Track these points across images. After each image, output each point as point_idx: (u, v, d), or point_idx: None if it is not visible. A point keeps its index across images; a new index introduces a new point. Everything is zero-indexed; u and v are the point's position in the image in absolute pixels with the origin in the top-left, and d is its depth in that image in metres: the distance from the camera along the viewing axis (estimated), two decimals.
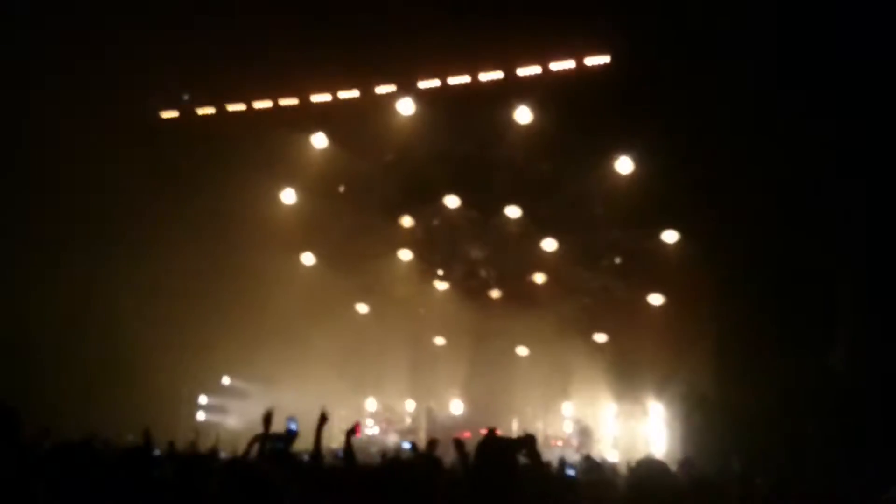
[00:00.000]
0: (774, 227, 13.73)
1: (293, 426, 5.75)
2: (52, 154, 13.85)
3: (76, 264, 14.77)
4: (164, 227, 15.73)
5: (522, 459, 4.80)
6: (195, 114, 17.09)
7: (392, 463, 5.25)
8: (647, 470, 4.11)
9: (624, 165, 16.84)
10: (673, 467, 8.66)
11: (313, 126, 17.50)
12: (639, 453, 16.61)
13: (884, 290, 12.40)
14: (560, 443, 18.84)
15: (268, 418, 5.74)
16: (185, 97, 17.54)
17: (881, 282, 12.50)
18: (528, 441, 5.01)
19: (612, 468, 11.41)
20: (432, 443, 7.13)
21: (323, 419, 5.61)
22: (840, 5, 11.89)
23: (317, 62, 15.12)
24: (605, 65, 14.99)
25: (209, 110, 17.06)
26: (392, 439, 19.10)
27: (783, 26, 12.35)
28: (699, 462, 13.13)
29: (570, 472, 8.74)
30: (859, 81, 11.99)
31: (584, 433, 18.66)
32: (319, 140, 17.76)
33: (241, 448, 7.07)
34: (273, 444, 5.70)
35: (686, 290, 16.81)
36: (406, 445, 13.26)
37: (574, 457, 15.39)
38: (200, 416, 19.79)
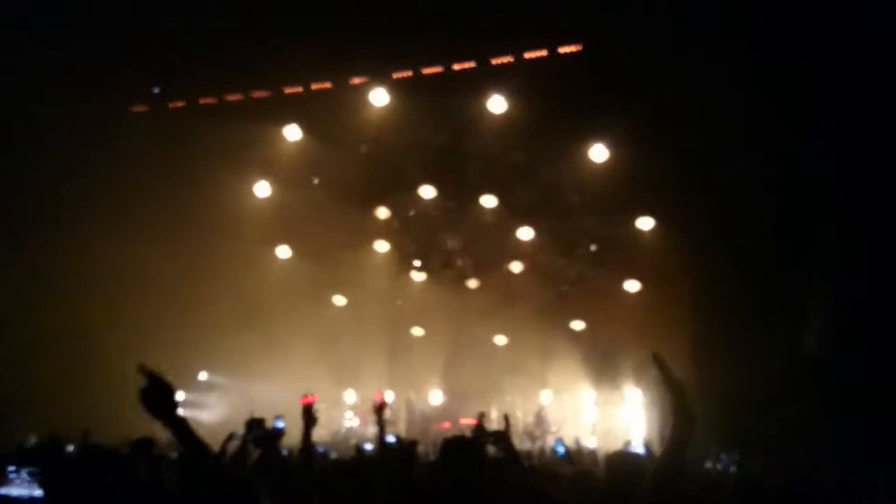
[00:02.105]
0: (750, 213, 13.83)
1: (280, 424, 5.66)
2: (15, 150, 13.64)
3: (43, 258, 14.55)
4: (137, 221, 15.55)
5: (495, 452, 4.79)
6: (166, 107, 16.90)
7: (366, 458, 5.22)
8: (620, 463, 4.11)
9: (598, 153, 16.87)
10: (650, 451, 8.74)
11: (286, 118, 17.36)
12: (617, 439, 16.75)
13: (858, 276, 12.54)
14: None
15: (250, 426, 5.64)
16: (156, 90, 17.34)
17: (855, 267, 12.64)
18: (499, 435, 4.98)
19: (592, 455, 11.48)
20: (413, 443, 7.09)
21: (310, 417, 5.40)
22: None
23: (289, 53, 14.98)
24: (578, 52, 15.00)
25: (180, 103, 16.88)
26: (371, 431, 19.05)
27: (758, 14, 12.42)
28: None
29: (561, 450, 8.79)
30: (834, 74, 12.09)
31: (541, 422, 18.71)
32: (293, 132, 17.63)
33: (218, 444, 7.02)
34: (258, 436, 5.62)
35: (662, 277, 16.92)
36: (391, 439, 13.21)
37: (530, 446, 15.49)
38: (178, 411, 19.62)
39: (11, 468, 5.15)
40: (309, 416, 5.28)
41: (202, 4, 13.75)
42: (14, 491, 4.97)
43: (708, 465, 9.95)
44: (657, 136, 14.63)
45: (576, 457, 8.93)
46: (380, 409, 5.53)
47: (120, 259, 15.23)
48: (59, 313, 14.83)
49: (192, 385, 19.81)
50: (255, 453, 6.05)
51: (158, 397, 2.62)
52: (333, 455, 10.77)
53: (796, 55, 12.43)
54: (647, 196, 16.76)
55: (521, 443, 17.54)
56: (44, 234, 14.66)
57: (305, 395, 5.36)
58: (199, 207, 16.12)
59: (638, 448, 8.23)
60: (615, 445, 16.18)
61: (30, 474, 4.98)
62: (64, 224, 14.91)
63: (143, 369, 2.59)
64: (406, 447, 5.56)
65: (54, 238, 14.68)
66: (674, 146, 14.42)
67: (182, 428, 2.61)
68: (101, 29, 13.69)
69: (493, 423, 19.22)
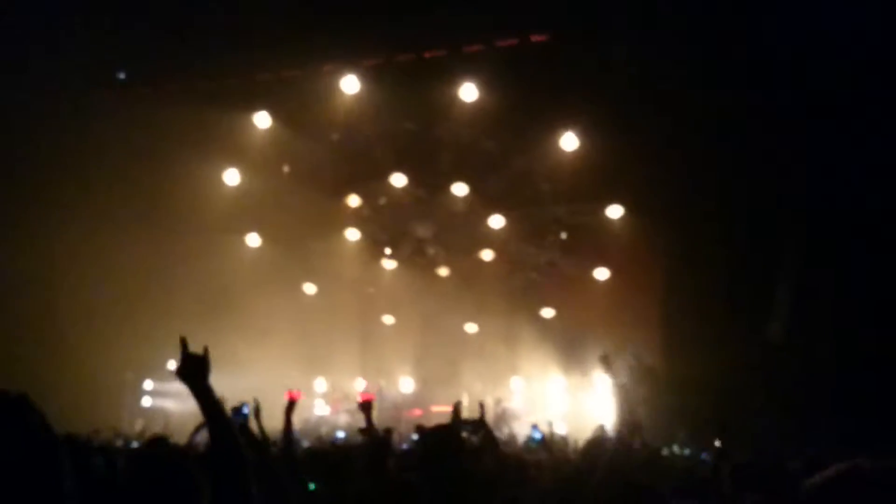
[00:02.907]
0: (718, 203, 14.00)
1: (245, 410, 5.69)
2: None
3: (6, 247, 14.32)
4: (104, 209, 15.35)
5: (473, 439, 4.83)
6: (133, 93, 16.67)
7: (342, 447, 5.24)
8: (598, 451, 4.17)
9: (568, 141, 16.95)
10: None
11: (256, 105, 17.21)
12: (587, 426, 16.91)
13: (822, 266, 12.76)
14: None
15: (236, 411, 5.67)
16: (121, 75, 17.10)
17: (820, 256, 12.86)
18: (477, 424, 5.03)
19: (564, 441, 11.59)
20: (388, 431, 7.13)
21: (291, 405, 5.60)
22: None
23: (260, 39, 14.85)
24: (548, 41, 15.04)
25: (147, 89, 16.66)
26: (343, 419, 19.06)
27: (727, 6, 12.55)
28: (642, 432, 13.44)
29: (537, 436, 8.87)
30: (800, 67, 12.25)
31: (501, 412, 18.79)
32: (262, 119, 17.48)
33: (188, 433, 6.98)
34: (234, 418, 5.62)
35: (631, 265, 17.09)
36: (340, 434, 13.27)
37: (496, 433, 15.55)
38: (146, 401, 19.48)
39: None
40: (291, 409, 5.52)
41: None
42: None
43: (665, 451, 10.08)
44: (626, 125, 14.74)
45: (549, 443, 9.02)
46: (367, 406, 5.63)
47: (86, 247, 15.03)
48: (25, 303, 14.63)
49: (159, 374, 19.64)
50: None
51: (192, 368, 2.68)
52: (305, 443, 10.75)
53: (762, 44, 12.60)
54: (617, 184, 16.89)
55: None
56: (6, 224, 14.43)
57: (291, 390, 5.66)
58: (168, 195, 15.96)
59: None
60: (585, 431, 16.36)
61: None
62: (28, 213, 14.68)
63: (182, 341, 2.67)
64: (382, 436, 5.59)
65: (18, 227, 14.46)
66: (643, 135, 14.53)
67: (209, 401, 2.68)
68: (66, 10, 13.47)
69: (466, 410, 19.32)
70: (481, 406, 6.56)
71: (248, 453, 2.75)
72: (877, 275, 11.71)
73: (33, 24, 13.01)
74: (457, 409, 5.64)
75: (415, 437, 9.94)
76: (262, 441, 5.17)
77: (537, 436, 8.93)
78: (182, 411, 18.12)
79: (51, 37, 13.33)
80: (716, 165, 13.82)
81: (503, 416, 18.45)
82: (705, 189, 14.09)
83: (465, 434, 4.88)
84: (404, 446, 10.09)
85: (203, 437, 6.76)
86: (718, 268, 14.06)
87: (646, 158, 14.81)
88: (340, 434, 13.05)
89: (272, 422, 6.49)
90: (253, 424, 5.58)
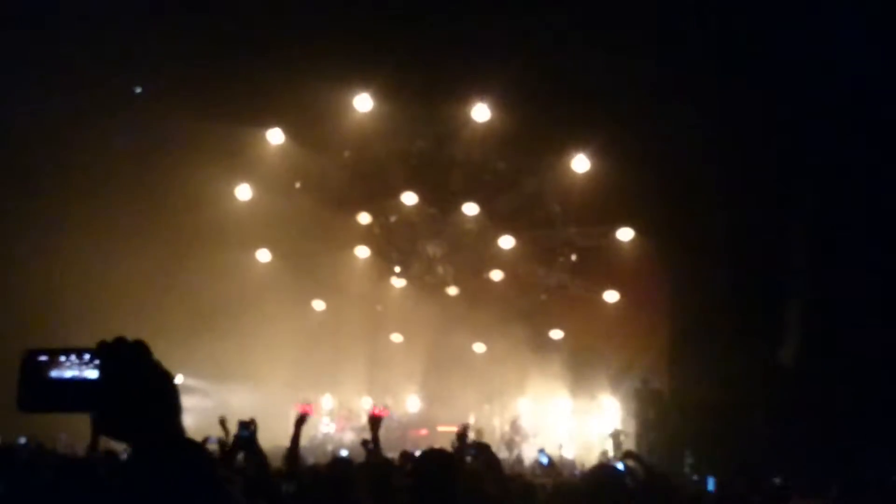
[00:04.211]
0: (727, 227, 13.97)
1: (245, 433, 5.66)
2: None
3: (16, 258, 14.41)
4: (115, 221, 15.44)
5: (475, 463, 4.80)
6: (149, 107, 16.80)
7: (344, 465, 5.22)
8: (600, 479, 4.14)
9: (580, 164, 16.98)
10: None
11: (270, 121, 17.32)
12: (594, 449, 16.81)
13: (829, 290, 12.70)
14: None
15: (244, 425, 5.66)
16: (138, 90, 17.24)
17: (827, 281, 12.80)
18: (480, 447, 5.00)
19: (572, 465, 11.53)
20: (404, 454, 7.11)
21: (302, 419, 5.56)
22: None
23: (274, 56, 14.97)
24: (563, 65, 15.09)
25: (163, 104, 16.79)
26: (349, 437, 18.99)
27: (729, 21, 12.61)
28: (649, 457, 13.37)
29: (544, 460, 8.83)
30: (806, 81, 12.27)
31: (518, 430, 18.72)
32: (276, 135, 17.58)
33: None
34: (241, 433, 5.62)
35: (640, 288, 17.04)
36: (343, 453, 13.20)
37: (506, 455, 15.51)
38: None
39: None
40: (302, 422, 5.48)
41: (190, 4, 13.74)
42: None
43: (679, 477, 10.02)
44: (638, 148, 14.77)
45: (556, 467, 8.97)
46: (375, 422, 5.60)
47: (94, 259, 15.13)
48: (30, 311, 14.69)
49: None
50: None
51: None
52: (310, 460, 10.71)
53: (771, 60, 12.63)
54: (628, 207, 16.88)
55: (497, 451, 17.54)
56: (17, 234, 14.52)
57: (304, 404, 5.64)
58: (180, 209, 16.04)
59: (617, 464, 8.27)
60: (592, 455, 16.26)
61: None
62: (39, 224, 14.77)
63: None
64: (385, 457, 5.57)
65: (29, 238, 14.55)
66: (655, 159, 14.55)
67: None
68: (85, 25, 13.63)
69: (472, 431, 19.23)
70: (478, 432, 6.52)
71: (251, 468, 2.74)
72: (887, 297, 11.63)
73: (50, 34, 13.16)
74: (463, 433, 5.60)
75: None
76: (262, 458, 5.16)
77: (544, 460, 8.88)
78: (189, 425, 18.11)
79: (69, 47, 13.48)
80: (725, 190, 13.81)
81: (516, 437, 18.36)
82: (714, 213, 14.07)
83: (468, 458, 4.86)
84: (409, 466, 10.04)
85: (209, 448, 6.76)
86: (726, 291, 14.00)
87: (656, 182, 14.82)
88: (344, 453, 12.99)
89: (279, 435, 6.50)
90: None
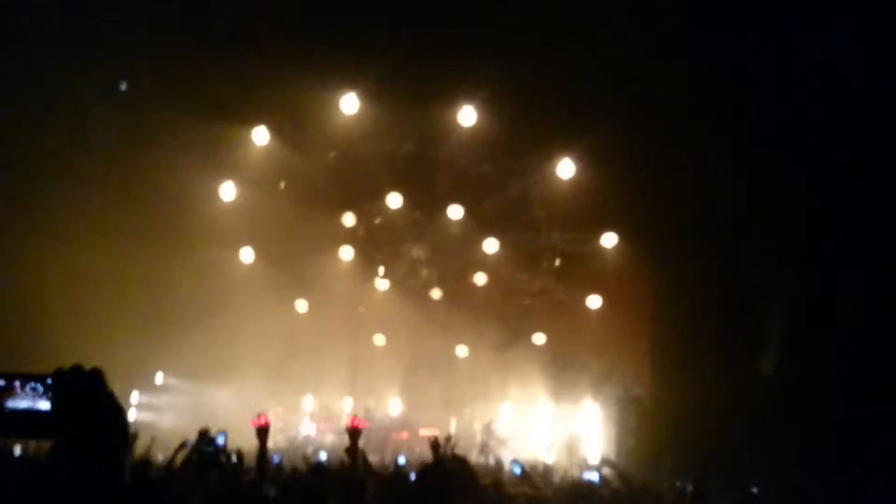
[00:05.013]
0: (711, 233, 14.04)
1: (221, 440, 5.62)
2: None
3: None
4: (96, 220, 15.31)
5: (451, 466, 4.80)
6: (133, 104, 16.68)
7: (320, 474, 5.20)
8: (575, 495, 4.16)
9: (565, 169, 17.02)
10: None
11: (255, 120, 17.26)
12: (575, 455, 16.84)
13: (814, 296, 12.79)
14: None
15: (203, 435, 5.62)
16: (123, 86, 17.11)
17: (812, 287, 12.89)
18: (458, 460, 5.01)
19: (549, 470, 11.52)
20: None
21: (265, 438, 5.50)
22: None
23: (261, 55, 14.93)
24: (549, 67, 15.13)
25: (148, 101, 16.68)
26: (329, 439, 18.92)
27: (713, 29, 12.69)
28: (629, 463, 13.42)
29: (517, 470, 8.83)
30: (792, 84, 12.36)
31: (491, 434, 18.74)
32: (261, 135, 17.51)
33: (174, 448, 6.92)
34: (204, 448, 5.59)
35: (623, 294, 17.11)
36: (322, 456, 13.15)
37: (484, 459, 15.53)
38: (133, 414, 19.32)
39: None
40: (264, 437, 5.44)
41: (179, 3, 13.67)
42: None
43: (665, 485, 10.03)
44: (623, 154, 14.83)
45: (530, 477, 8.97)
46: (354, 434, 5.59)
47: (75, 258, 14.96)
48: (9, 313, 14.53)
49: (148, 387, 19.52)
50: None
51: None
52: (291, 463, 10.66)
53: (756, 73, 12.72)
54: (612, 213, 16.95)
55: (476, 457, 17.55)
56: None
57: (258, 417, 5.55)
58: (163, 207, 15.94)
59: (592, 474, 8.29)
60: (572, 460, 16.29)
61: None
62: (16, 222, 14.61)
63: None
64: (363, 472, 5.54)
65: (8, 236, 14.39)
66: (639, 165, 14.62)
67: None
68: (65, 19, 13.52)
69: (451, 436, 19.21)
70: (448, 438, 6.49)
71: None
72: (870, 305, 11.72)
73: (33, 29, 13.04)
74: (435, 445, 5.57)
75: (401, 460, 9.87)
76: (235, 470, 5.14)
77: (517, 470, 8.90)
78: (169, 425, 18.02)
79: (51, 42, 13.36)
80: (710, 197, 13.89)
81: (491, 441, 18.37)
82: (698, 219, 14.14)
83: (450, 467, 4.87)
84: (391, 469, 10.00)
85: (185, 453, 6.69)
86: (708, 299, 14.07)
87: (642, 188, 14.89)
88: (323, 455, 12.94)
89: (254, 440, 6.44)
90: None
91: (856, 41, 11.56)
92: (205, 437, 5.69)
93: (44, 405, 1.60)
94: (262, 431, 5.46)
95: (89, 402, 1.61)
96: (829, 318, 12.15)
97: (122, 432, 1.71)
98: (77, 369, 1.67)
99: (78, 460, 1.63)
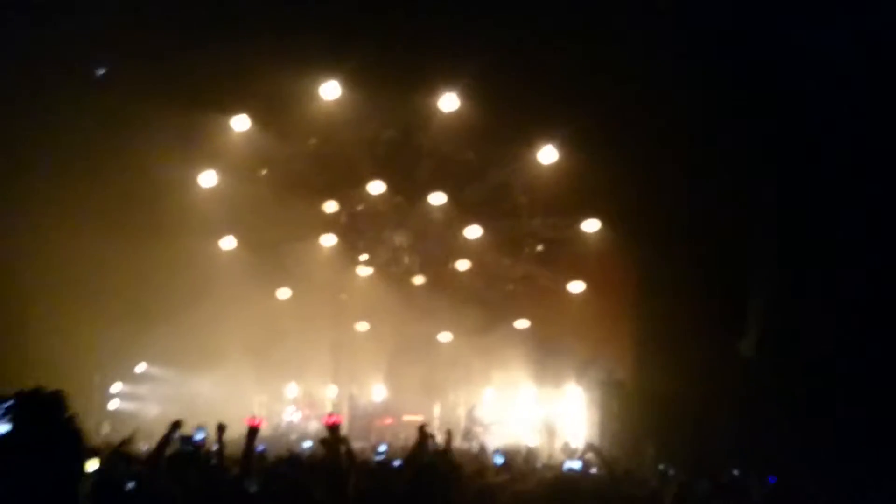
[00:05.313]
0: (693, 218, 14.12)
1: (199, 436, 5.61)
2: None
3: None
4: (75, 209, 15.14)
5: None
6: (111, 90, 16.47)
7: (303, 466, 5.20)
8: (557, 486, 4.19)
9: (547, 155, 17.04)
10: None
11: (235, 107, 17.11)
12: (558, 438, 16.97)
13: (794, 279, 12.91)
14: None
15: (175, 426, 5.62)
16: (100, 72, 16.89)
17: (792, 270, 13.00)
18: (440, 452, 5.03)
19: (532, 455, 11.59)
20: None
21: (254, 437, 5.55)
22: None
23: (241, 41, 14.77)
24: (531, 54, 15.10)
25: (126, 87, 16.47)
26: (313, 426, 18.94)
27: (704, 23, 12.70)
28: (612, 447, 13.52)
29: (499, 460, 8.88)
30: (774, 81, 12.42)
31: (472, 420, 18.85)
32: (241, 122, 17.38)
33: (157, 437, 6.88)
34: (183, 448, 5.58)
35: (605, 279, 17.20)
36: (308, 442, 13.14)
37: (468, 445, 15.63)
38: (115, 404, 19.24)
39: None
40: (253, 436, 5.48)
41: None
42: None
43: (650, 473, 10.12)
44: (605, 140, 14.85)
45: (513, 463, 9.02)
46: (334, 430, 5.60)
47: (53, 247, 14.80)
48: None
49: (130, 377, 19.43)
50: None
51: None
52: (275, 450, 10.65)
53: (740, 60, 12.77)
54: (594, 199, 17.00)
55: (460, 442, 17.64)
56: None
57: (253, 417, 5.66)
58: (143, 195, 15.79)
59: (574, 462, 8.34)
60: (556, 443, 16.43)
61: None
62: None
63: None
64: (346, 461, 5.54)
65: None
66: (621, 150, 14.65)
67: None
68: (42, 5, 13.32)
69: (437, 420, 19.32)
70: (448, 433, 6.49)
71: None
72: (850, 290, 11.85)
73: (7, 14, 12.83)
74: (423, 434, 5.60)
75: (382, 448, 9.88)
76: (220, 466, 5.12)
77: (499, 461, 8.95)
78: (151, 415, 17.97)
79: (27, 29, 13.16)
80: (691, 182, 13.95)
81: (474, 427, 18.47)
82: (679, 205, 14.21)
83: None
84: (375, 458, 10.02)
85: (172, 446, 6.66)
86: (691, 283, 14.17)
87: (623, 174, 14.93)
88: (308, 444, 12.94)
89: (243, 425, 6.42)
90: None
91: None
92: (177, 427, 5.68)
93: (2, 428, 1.60)
94: (252, 432, 5.49)
95: (49, 425, 1.61)
96: (812, 300, 12.28)
97: (78, 455, 1.71)
98: (38, 392, 1.66)
99: (31, 482, 1.63)
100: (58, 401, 1.63)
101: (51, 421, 1.59)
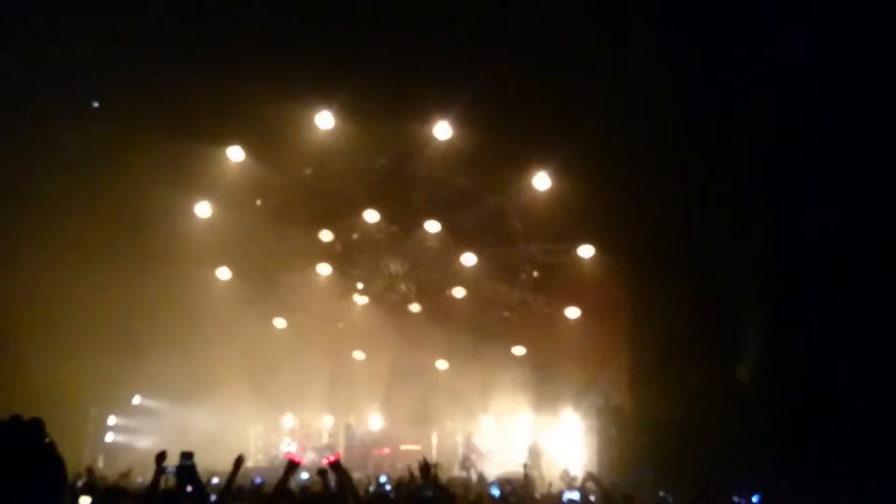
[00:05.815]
0: (687, 244, 14.15)
1: (188, 463, 5.57)
2: None
3: None
4: (73, 240, 15.13)
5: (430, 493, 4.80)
6: (106, 121, 16.54)
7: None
8: None
9: (541, 181, 17.12)
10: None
11: (230, 139, 17.17)
12: (556, 465, 16.87)
13: (789, 305, 12.92)
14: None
15: (160, 458, 5.60)
16: (96, 104, 16.97)
17: (787, 296, 13.02)
18: (437, 484, 5.01)
19: (532, 483, 11.52)
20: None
21: (238, 462, 5.53)
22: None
23: (236, 74, 14.86)
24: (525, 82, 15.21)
25: (122, 119, 16.55)
26: (309, 457, 18.80)
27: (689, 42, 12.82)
28: (611, 473, 13.44)
29: (496, 493, 8.82)
30: (772, 107, 12.51)
31: (472, 448, 18.74)
32: (236, 153, 17.45)
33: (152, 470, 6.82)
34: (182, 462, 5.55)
35: (601, 305, 17.19)
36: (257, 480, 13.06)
37: (465, 474, 15.53)
38: (110, 437, 19.10)
39: None
40: (291, 469, 5.49)
41: (151, 22, 13.60)
42: None
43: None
44: (599, 167, 14.92)
45: (510, 496, 8.97)
46: (335, 468, 5.59)
47: (51, 280, 14.77)
48: None
49: (125, 409, 19.31)
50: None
51: None
52: (272, 480, 10.56)
53: (731, 76, 12.86)
54: (589, 225, 17.03)
55: (458, 471, 17.53)
56: None
57: (292, 454, 5.66)
58: (139, 227, 15.79)
59: (573, 493, 8.30)
60: (554, 471, 16.31)
61: None
62: None
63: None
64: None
65: None
66: (615, 177, 14.71)
67: None
68: (37, 36, 13.40)
69: (434, 450, 19.19)
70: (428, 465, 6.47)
71: None
72: (845, 315, 11.85)
73: (3, 45, 12.91)
74: (425, 467, 5.59)
75: (383, 479, 9.83)
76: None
77: (496, 493, 8.90)
78: (146, 447, 17.80)
79: (24, 60, 13.24)
80: (685, 209, 14.01)
81: (472, 455, 18.35)
82: (673, 231, 14.26)
83: (430, 494, 4.87)
84: (371, 489, 9.96)
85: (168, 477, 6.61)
86: (687, 310, 14.17)
87: (618, 200, 14.98)
88: (304, 475, 12.85)
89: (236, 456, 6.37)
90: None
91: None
92: (162, 459, 5.66)
93: None
94: (293, 467, 5.49)
95: (27, 453, 1.60)
96: (805, 325, 12.28)
97: (60, 485, 1.69)
98: (17, 419, 1.65)
99: None
100: (36, 428, 1.62)
101: (29, 448, 1.58)
